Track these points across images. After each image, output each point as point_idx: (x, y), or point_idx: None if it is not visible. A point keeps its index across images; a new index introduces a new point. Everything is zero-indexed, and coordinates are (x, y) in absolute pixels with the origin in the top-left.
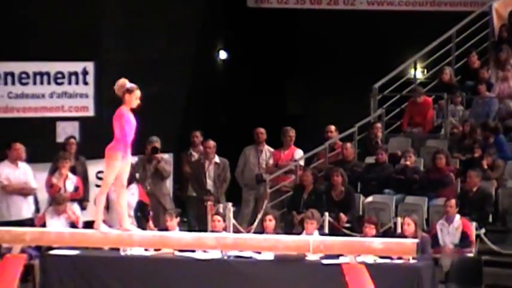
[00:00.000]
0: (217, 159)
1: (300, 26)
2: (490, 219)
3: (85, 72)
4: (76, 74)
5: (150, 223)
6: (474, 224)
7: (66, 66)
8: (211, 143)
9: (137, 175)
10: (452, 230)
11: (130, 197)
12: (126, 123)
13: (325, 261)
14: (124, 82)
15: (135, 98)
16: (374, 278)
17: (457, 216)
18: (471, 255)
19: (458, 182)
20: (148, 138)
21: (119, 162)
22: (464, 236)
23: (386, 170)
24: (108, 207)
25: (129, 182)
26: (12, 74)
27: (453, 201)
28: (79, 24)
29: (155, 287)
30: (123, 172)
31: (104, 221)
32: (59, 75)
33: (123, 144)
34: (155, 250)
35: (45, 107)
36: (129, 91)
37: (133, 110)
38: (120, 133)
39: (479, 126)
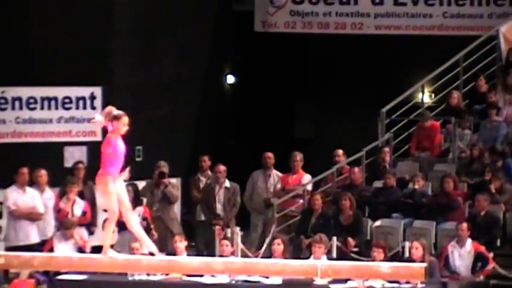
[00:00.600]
0: (227, 183)
1: (307, 50)
2: (498, 243)
3: (93, 97)
4: (84, 98)
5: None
6: (482, 248)
7: (74, 91)
8: (222, 168)
9: (144, 200)
10: (464, 253)
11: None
12: (114, 150)
13: (333, 286)
14: (111, 110)
15: (123, 125)
16: None
17: (469, 240)
18: (482, 278)
19: (466, 206)
20: (156, 162)
21: (113, 186)
22: (481, 257)
23: (394, 194)
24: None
25: (135, 205)
26: (20, 99)
27: (465, 225)
28: (86, 49)
29: None
30: (121, 194)
31: (112, 246)
32: (67, 100)
33: (111, 168)
34: (163, 275)
35: (53, 132)
36: (117, 118)
37: (124, 136)
38: (107, 161)
39: (487, 150)
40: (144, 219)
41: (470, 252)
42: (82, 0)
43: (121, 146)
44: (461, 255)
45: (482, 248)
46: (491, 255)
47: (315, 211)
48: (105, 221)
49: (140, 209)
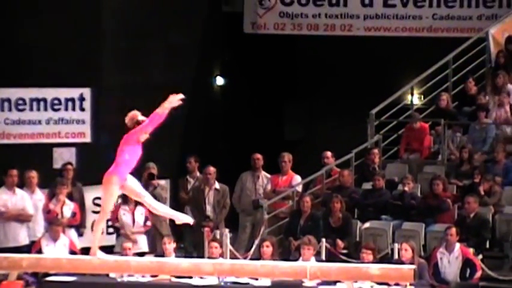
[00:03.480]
0: (217, 185)
1: (297, 52)
2: (487, 245)
3: (82, 98)
4: (73, 100)
5: None
6: (471, 250)
7: (63, 93)
8: (212, 169)
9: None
10: (453, 259)
11: (139, 217)
12: (131, 152)
13: None
14: (135, 114)
15: (144, 133)
16: None
17: (457, 245)
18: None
19: (455, 208)
20: (145, 164)
21: (117, 188)
22: (469, 263)
23: (383, 196)
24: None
25: (136, 204)
26: (9, 101)
27: (454, 230)
28: (76, 50)
29: None
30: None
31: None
32: (56, 102)
33: (122, 171)
34: (152, 276)
35: (42, 133)
36: (140, 124)
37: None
38: (122, 163)
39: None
40: (146, 218)
41: (459, 257)
42: (72, 2)
43: (138, 150)
44: (450, 262)
45: (470, 253)
46: (479, 257)
47: (304, 213)
48: (93, 222)
49: (142, 209)
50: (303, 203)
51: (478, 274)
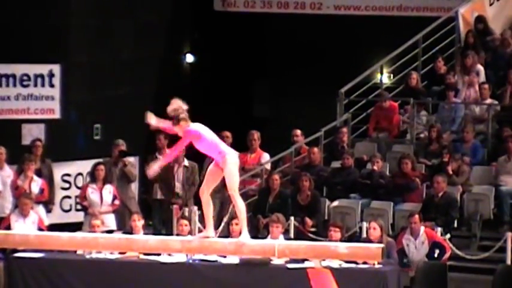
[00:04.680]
0: (186, 162)
1: (267, 30)
2: (455, 225)
3: (51, 75)
4: (42, 76)
5: None
6: (439, 229)
7: (32, 69)
8: None
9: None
10: (419, 244)
11: (107, 195)
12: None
13: (290, 266)
14: (180, 108)
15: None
16: (339, 282)
17: (422, 229)
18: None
19: (424, 187)
20: (114, 141)
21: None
22: (437, 246)
23: (352, 174)
24: None
25: (104, 182)
26: None
27: (417, 217)
28: (45, 26)
29: None
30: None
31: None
32: (25, 78)
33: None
34: (120, 253)
35: (11, 109)
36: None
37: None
38: (214, 147)
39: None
40: (114, 197)
41: (425, 242)
42: None
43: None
44: (417, 247)
45: (437, 236)
46: (447, 236)
47: (272, 191)
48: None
49: (110, 187)
50: (272, 181)
51: (447, 255)
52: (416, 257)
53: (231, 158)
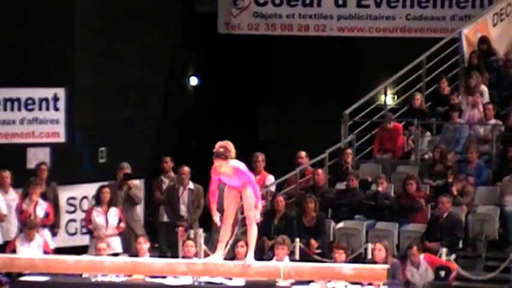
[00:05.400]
0: (191, 185)
1: (271, 52)
2: (460, 245)
3: (56, 98)
4: (47, 100)
5: None
6: (444, 249)
7: (37, 93)
8: (186, 169)
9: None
10: (422, 272)
11: (113, 218)
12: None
13: (296, 287)
14: (230, 147)
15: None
16: None
17: (421, 257)
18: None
19: (428, 208)
20: (119, 164)
21: None
22: (442, 268)
23: (357, 196)
24: None
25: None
26: None
27: (415, 248)
28: (50, 49)
29: None
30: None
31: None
32: (30, 102)
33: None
34: (126, 276)
35: (16, 133)
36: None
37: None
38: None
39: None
40: (120, 220)
41: (428, 269)
42: (45, 2)
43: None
44: (422, 276)
45: (438, 259)
46: (453, 257)
47: (277, 212)
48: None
49: (116, 210)
50: (277, 203)
51: (454, 274)
52: (422, 283)
53: (252, 183)
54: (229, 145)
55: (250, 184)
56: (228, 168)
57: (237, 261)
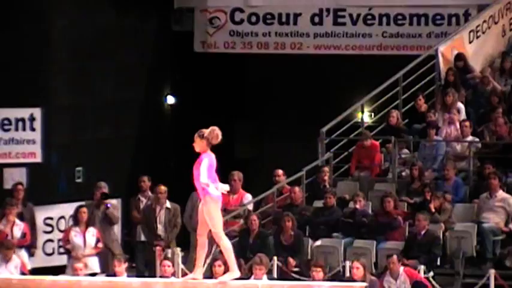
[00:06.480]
0: (168, 204)
1: (247, 70)
2: (438, 262)
3: (32, 118)
4: (23, 120)
5: None
6: (422, 267)
7: (13, 113)
8: (163, 188)
9: None
10: (400, 284)
11: (90, 238)
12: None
13: None
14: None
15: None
16: None
17: (401, 270)
18: None
19: (406, 226)
20: (96, 183)
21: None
22: (418, 285)
23: (334, 213)
24: None
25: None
26: None
27: (395, 257)
28: (25, 70)
29: None
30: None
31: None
32: (6, 122)
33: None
34: None
35: None
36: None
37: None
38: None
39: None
40: (98, 240)
41: (406, 282)
42: (20, 23)
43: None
44: (398, 287)
45: (417, 274)
46: (431, 274)
47: (252, 232)
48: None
49: (93, 230)
50: (251, 222)
51: None
52: None
53: (211, 198)
54: (212, 131)
55: (199, 173)
56: (198, 147)
57: (214, 280)
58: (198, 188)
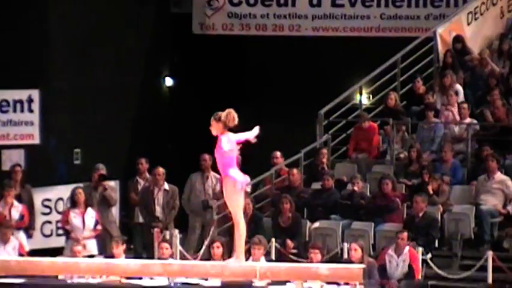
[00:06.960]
0: (166, 186)
1: (245, 52)
2: (436, 244)
3: (30, 100)
4: (21, 101)
5: None
6: (420, 249)
7: (11, 94)
8: (161, 170)
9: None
10: (400, 262)
11: (89, 220)
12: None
13: None
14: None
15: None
16: None
17: (406, 248)
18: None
19: (404, 208)
20: (94, 165)
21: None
22: (410, 270)
23: (332, 195)
24: None
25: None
26: None
27: (405, 234)
28: (24, 51)
29: None
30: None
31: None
32: (4, 103)
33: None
34: (102, 277)
35: None
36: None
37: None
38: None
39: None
40: (97, 222)
41: (406, 261)
42: (19, 4)
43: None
44: (398, 265)
45: (417, 260)
46: (429, 256)
47: (246, 215)
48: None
49: (92, 212)
50: (244, 206)
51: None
52: (395, 274)
53: (233, 182)
54: (229, 113)
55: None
56: (215, 131)
57: (213, 262)
58: (221, 171)
